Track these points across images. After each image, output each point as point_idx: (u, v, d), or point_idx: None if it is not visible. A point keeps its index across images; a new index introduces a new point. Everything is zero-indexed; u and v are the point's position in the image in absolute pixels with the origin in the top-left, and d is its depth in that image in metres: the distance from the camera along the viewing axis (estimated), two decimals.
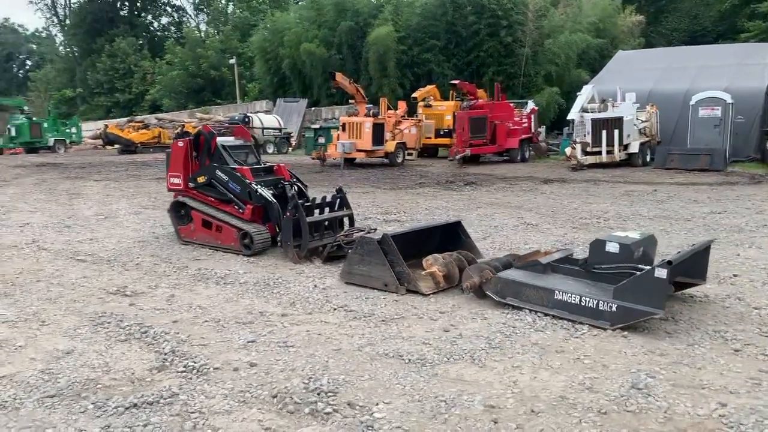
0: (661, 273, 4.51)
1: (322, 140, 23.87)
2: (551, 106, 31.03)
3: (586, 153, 19.10)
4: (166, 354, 4.21)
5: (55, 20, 64.97)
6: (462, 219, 9.45)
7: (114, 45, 54.60)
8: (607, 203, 11.24)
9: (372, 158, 21.16)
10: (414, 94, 25.00)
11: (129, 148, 28.42)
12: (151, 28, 62.94)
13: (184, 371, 3.94)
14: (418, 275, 5.73)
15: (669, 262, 4.51)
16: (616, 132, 19.19)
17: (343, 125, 20.50)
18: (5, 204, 11.27)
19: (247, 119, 27.76)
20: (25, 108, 31.40)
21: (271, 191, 7.25)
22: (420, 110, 24.74)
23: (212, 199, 7.50)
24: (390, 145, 20.78)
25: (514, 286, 5.23)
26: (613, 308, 4.71)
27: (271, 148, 27.87)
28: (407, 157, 23.29)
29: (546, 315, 4.97)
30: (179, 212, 7.82)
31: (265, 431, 3.24)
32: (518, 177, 16.90)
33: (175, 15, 64.83)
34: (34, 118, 29.99)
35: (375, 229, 7.36)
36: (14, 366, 4.04)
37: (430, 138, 24.42)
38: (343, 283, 5.99)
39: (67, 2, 63.21)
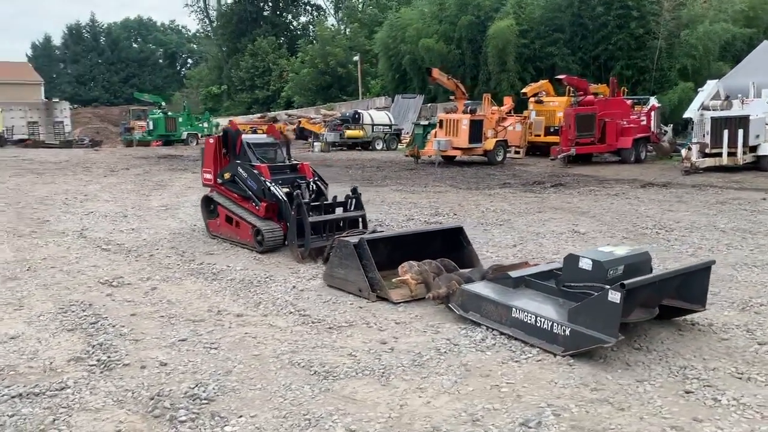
0: (615, 297, 3.99)
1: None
2: (684, 103, 28.62)
3: (704, 155, 17.43)
4: (93, 346, 4.35)
5: (207, 21, 69.73)
6: (507, 223, 9.03)
7: (256, 44, 57.74)
8: (689, 212, 10.15)
9: (471, 156, 20.72)
10: (524, 90, 24.13)
11: None
12: (291, 27, 65.80)
13: (95, 365, 4.05)
14: (392, 282, 5.49)
15: (623, 285, 3.97)
16: (741, 132, 17.29)
17: (440, 122, 20.22)
18: (91, 193, 12.29)
19: (357, 116, 28.23)
20: (163, 104, 34.11)
21: (287, 189, 7.27)
22: (531, 106, 23.84)
23: (236, 195, 7.67)
24: (489, 143, 20.21)
25: (476, 300, 4.86)
26: (567, 332, 4.23)
27: (380, 145, 28.15)
28: (514, 156, 22.61)
29: (502, 334, 4.57)
30: (209, 207, 8.08)
31: None
32: (620, 179, 15.75)
33: (315, 14, 67.25)
34: (169, 113, 32.51)
35: (383, 231, 7.17)
36: None
37: (539, 135, 23.42)
38: (326, 285, 5.88)
39: (218, 4, 67.54)
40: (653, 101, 23.11)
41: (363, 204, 7.42)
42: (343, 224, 7.21)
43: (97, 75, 69.92)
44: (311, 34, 59.81)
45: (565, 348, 4.21)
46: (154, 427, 3.30)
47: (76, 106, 61.02)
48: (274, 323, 4.90)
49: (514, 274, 5.02)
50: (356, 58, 40.33)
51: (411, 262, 5.51)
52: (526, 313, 4.49)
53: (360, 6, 56.15)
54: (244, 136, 7.87)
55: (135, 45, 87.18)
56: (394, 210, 10.42)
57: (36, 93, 54.35)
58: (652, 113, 22.02)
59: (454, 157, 20.67)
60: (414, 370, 4.00)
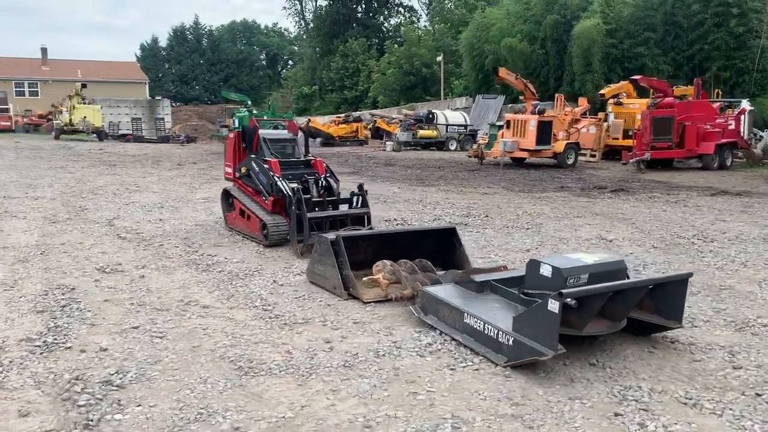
0: (554, 306, 3.70)
1: None
2: None
3: None
4: (49, 328, 4.51)
5: (303, 24, 71.40)
6: (536, 227, 8.65)
7: (347, 45, 58.60)
8: (744, 222, 9.34)
9: (541, 159, 20.10)
10: (601, 91, 23.12)
11: (328, 141, 30.44)
12: (384, 29, 66.25)
13: (39, 346, 4.19)
14: (365, 281, 5.37)
15: (560, 293, 3.68)
16: None
17: (508, 122, 19.72)
18: (143, 184, 12.83)
19: (431, 116, 28.03)
20: (248, 102, 35.17)
21: (296, 185, 7.28)
22: (610, 108, 22.82)
23: (250, 189, 7.77)
24: (559, 146, 19.51)
25: (434, 303, 4.67)
26: (510, 342, 3.98)
27: (453, 145, 27.82)
28: (590, 159, 21.72)
29: (453, 339, 4.36)
30: (228, 200, 8.23)
31: (17, 412, 3.33)
32: (692, 187, 14.73)
33: (406, 15, 67.40)
34: (254, 112, 33.48)
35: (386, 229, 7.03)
36: None
37: (617, 139, 22.35)
38: (308, 281, 5.83)
39: (315, 7, 68.97)
40: (744, 104, 21.53)
41: (368, 202, 7.30)
42: (347, 221, 7.13)
43: (199, 75, 73.26)
44: (401, 35, 59.97)
45: (509, 358, 3.96)
46: (55, 409, 3.36)
47: (178, 104, 64.17)
48: (233, 316, 4.90)
49: (478, 278, 4.78)
50: (440, 58, 40.07)
51: (385, 261, 5.38)
52: (476, 320, 4.26)
53: (450, 6, 55.78)
54: (261, 131, 7.95)
55: (240, 47, 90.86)
56: (427, 210, 10.23)
57: (141, 91, 57.62)
58: (743, 117, 20.52)
59: (524, 159, 20.15)
60: (340, 372, 3.87)
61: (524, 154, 19.37)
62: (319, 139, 31.20)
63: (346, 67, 58.16)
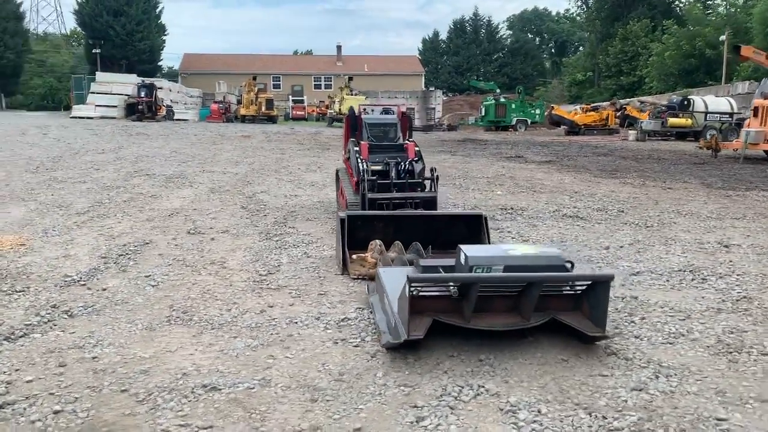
0: (406, 290, 3.61)
1: None
2: None
3: None
4: (90, 269, 5.59)
5: (585, 7, 68.66)
6: (663, 225, 7.81)
7: (627, 28, 55.11)
8: None
9: None
10: None
11: (573, 129, 29.24)
12: (674, 8, 60.54)
13: (67, 281, 5.26)
14: (354, 259, 5.57)
15: (408, 278, 3.57)
16: None
17: (755, 109, 16.98)
18: (325, 166, 14.04)
19: (686, 102, 25.14)
20: (497, 91, 35.35)
21: (380, 167, 7.61)
22: None
23: (350, 170, 8.28)
24: None
25: (378, 283, 4.71)
26: (393, 324, 3.94)
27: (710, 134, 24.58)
28: None
29: (373, 318, 4.41)
30: (337, 180, 8.85)
31: None
32: None
33: None
34: (501, 100, 33.63)
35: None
36: None
37: None
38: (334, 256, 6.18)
39: None
40: None
41: (436, 187, 7.30)
42: (416, 205, 7.23)
43: (473, 65, 74.98)
44: (683, 13, 54.26)
45: (393, 338, 3.93)
46: (16, 321, 4.32)
47: (455, 93, 66.82)
48: (230, 277, 5.50)
49: (424, 262, 4.66)
50: (723, 37, 35.42)
51: (376, 240, 5.50)
52: (388, 301, 4.25)
53: None
54: (364, 116, 8.39)
55: (529, 35, 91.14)
56: (565, 201, 9.66)
57: (418, 83, 61.43)
58: None
59: None
60: (239, 331, 4.23)
61: (767, 146, 16.54)
62: (563, 127, 30.20)
63: (625, 51, 54.85)
